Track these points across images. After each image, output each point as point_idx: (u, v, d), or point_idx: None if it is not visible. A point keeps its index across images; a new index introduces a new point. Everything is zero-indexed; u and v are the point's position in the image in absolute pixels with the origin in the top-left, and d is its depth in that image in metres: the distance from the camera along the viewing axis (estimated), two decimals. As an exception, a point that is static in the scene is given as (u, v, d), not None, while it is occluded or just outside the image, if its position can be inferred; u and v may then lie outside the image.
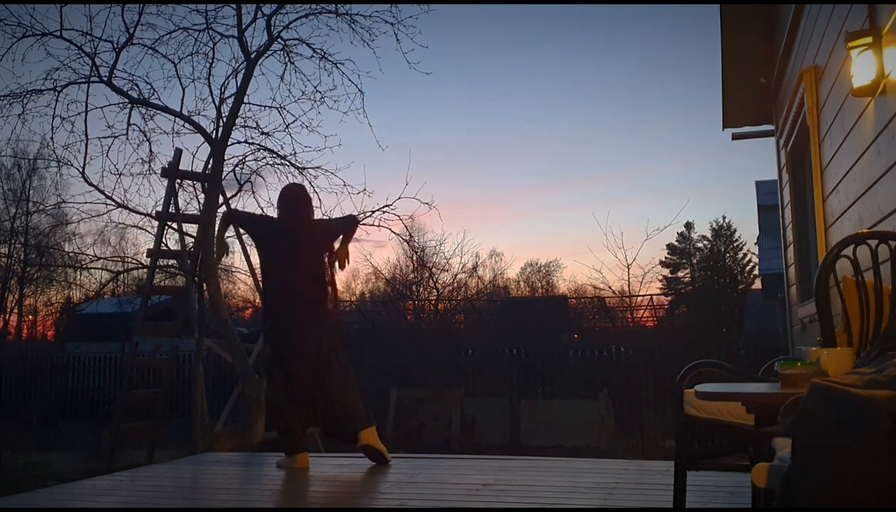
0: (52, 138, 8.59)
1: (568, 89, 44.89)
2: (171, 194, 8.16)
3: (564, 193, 47.39)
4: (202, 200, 8.59)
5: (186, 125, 8.38)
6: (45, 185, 20.80)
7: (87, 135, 8.43)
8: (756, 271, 30.71)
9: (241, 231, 8.52)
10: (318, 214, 8.91)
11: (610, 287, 13.34)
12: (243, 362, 7.66)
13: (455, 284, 17.48)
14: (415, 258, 17.22)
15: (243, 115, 8.49)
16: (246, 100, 8.35)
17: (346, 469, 5.05)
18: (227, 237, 6.22)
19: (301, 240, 5.10)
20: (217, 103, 8.43)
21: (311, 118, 8.90)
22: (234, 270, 12.92)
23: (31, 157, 15.70)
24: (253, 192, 9.86)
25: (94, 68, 8.13)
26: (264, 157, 8.93)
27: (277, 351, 5.06)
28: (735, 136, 7.83)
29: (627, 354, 12.05)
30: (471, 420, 11.19)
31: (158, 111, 8.42)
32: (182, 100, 9.10)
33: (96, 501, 4.18)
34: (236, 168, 8.89)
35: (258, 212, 8.22)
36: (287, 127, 8.72)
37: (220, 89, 8.46)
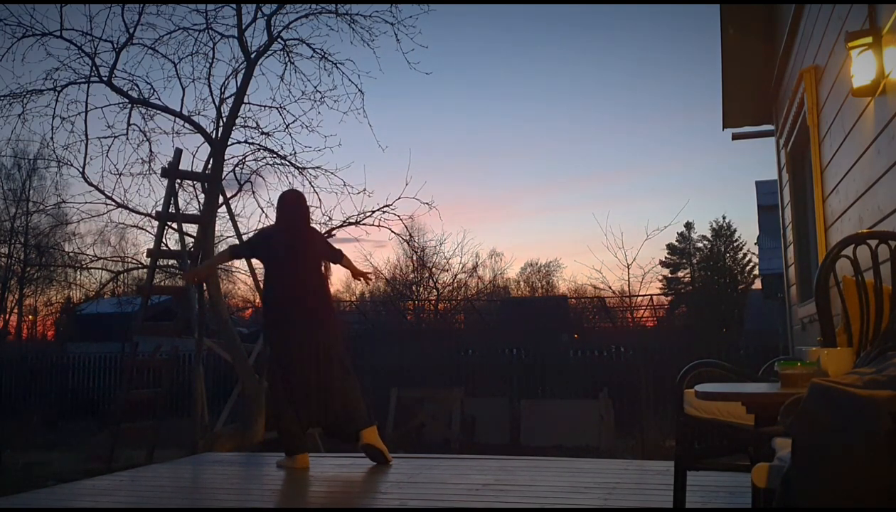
0: (52, 138, 8.62)
1: (568, 89, 44.92)
2: (171, 194, 8.16)
3: (564, 193, 47.41)
4: (202, 200, 8.59)
5: (186, 125, 8.39)
6: (45, 185, 20.83)
7: (87, 135, 8.45)
8: (756, 271, 30.70)
9: (241, 232, 8.55)
10: (318, 215, 9.01)
11: (610, 287, 13.37)
12: (243, 362, 7.66)
13: (455, 284, 17.51)
14: (415, 258, 17.26)
15: (243, 115, 8.51)
16: (246, 100, 8.37)
17: (346, 469, 5.05)
18: (228, 237, 6.27)
19: (299, 248, 5.16)
20: (217, 103, 8.45)
21: (311, 118, 8.94)
22: (234, 270, 12.93)
23: (31, 157, 15.72)
24: (253, 192, 9.88)
25: (94, 68, 8.14)
26: (264, 157, 8.96)
27: (277, 352, 5.07)
28: (735, 136, 7.83)
29: (627, 354, 12.06)
30: (471, 420, 11.19)
31: (158, 111, 8.43)
32: (182, 100, 9.13)
33: (96, 501, 4.18)
34: (236, 168, 8.91)
35: (258, 212, 8.25)
36: (287, 127, 8.75)
37: (220, 89, 8.49)
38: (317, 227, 8.68)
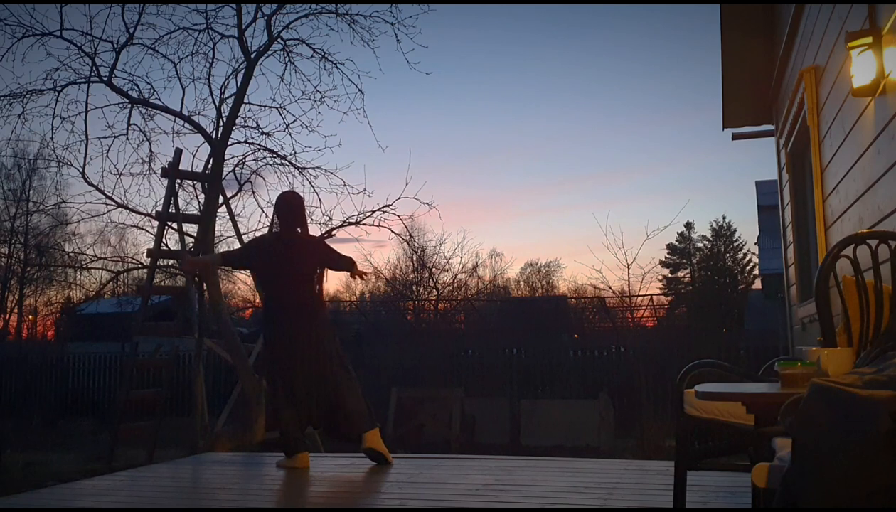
0: (52, 138, 8.64)
1: (568, 89, 44.92)
2: (171, 194, 8.16)
3: (564, 193, 47.40)
4: (202, 200, 8.59)
5: (186, 125, 8.39)
6: (45, 185, 20.81)
7: (87, 135, 8.46)
8: (756, 271, 30.74)
9: (241, 232, 8.55)
10: (318, 215, 9.01)
11: (610, 287, 13.34)
12: (243, 362, 7.66)
13: (455, 284, 17.51)
14: (415, 258, 17.25)
15: (243, 115, 8.52)
16: (246, 100, 8.37)
17: (346, 469, 5.05)
18: (228, 237, 6.28)
19: (296, 251, 5.15)
20: (217, 103, 8.45)
21: (311, 118, 8.96)
22: (234, 269, 12.92)
23: (31, 157, 15.68)
24: (253, 193, 9.88)
25: (94, 68, 8.15)
26: (264, 157, 8.96)
27: (276, 353, 5.08)
28: (735, 136, 7.83)
29: (627, 354, 12.04)
30: (471, 420, 11.19)
31: (158, 111, 8.44)
32: (182, 100, 9.13)
33: (96, 501, 4.18)
34: (236, 168, 8.91)
35: (258, 212, 8.26)
36: (287, 127, 8.75)
37: (220, 89, 8.49)
38: (317, 227, 8.71)
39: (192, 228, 8.51)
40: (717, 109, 7.43)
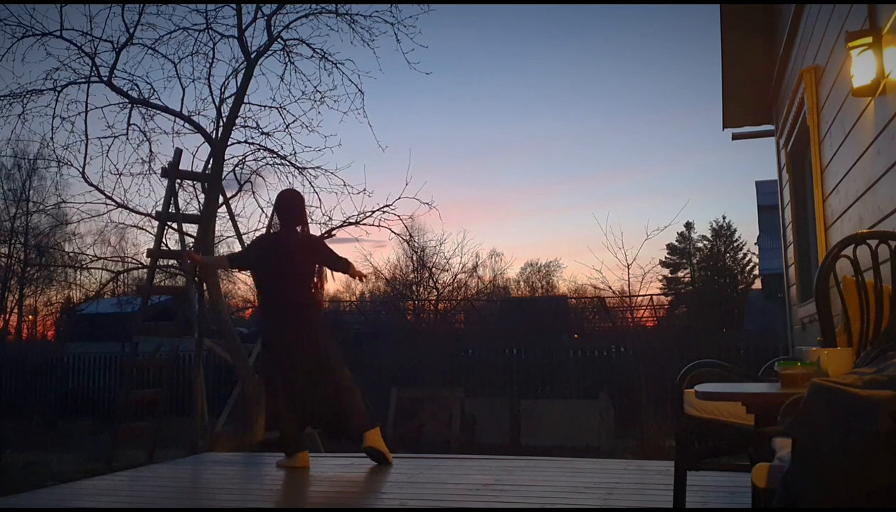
0: (52, 138, 8.62)
1: (568, 89, 44.96)
2: (171, 194, 8.16)
3: (564, 193, 47.45)
4: (202, 200, 8.59)
5: (186, 125, 8.39)
6: (45, 185, 20.84)
7: (87, 135, 8.45)
8: (756, 271, 30.76)
9: (241, 232, 8.55)
10: (317, 215, 9.01)
11: (610, 287, 13.33)
12: (243, 362, 7.66)
13: (455, 284, 17.48)
14: (415, 258, 17.24)
15: (243, 115, 8.51)
16: (246, 100, 8.36)
17: (346, 469, 5.06)
18: (228, 237, 6.28)
19: (295, 250, 5.15)
20: (217, 103, 8.45)
21: (311, 118, 8.93)
22: (239, 271, 12.91)
23: (31, 157, 15.70)
24: (253, 192, 9.87)
25: (94, 68, 8.15)
26: (264, 157, 8.95)
27: (273, 353, 5.08)
28: (735, 136, 7.83)
29: (627, 354, 12.04)
30: (471, 420, 11.19)
31: (158, 111, 8.43)
32: (182, 100, 9.11)
33: (96, 501, 4.18)
34: (236, 168, 8.90)
35: (258, 212, 8.26)
36: (287, 127, 8.74)
37: (220, 89, 8.48)
38: (317, 227, 8.70)
39: (192, 228, 8.52)
40: (717, 109, 7.44)
